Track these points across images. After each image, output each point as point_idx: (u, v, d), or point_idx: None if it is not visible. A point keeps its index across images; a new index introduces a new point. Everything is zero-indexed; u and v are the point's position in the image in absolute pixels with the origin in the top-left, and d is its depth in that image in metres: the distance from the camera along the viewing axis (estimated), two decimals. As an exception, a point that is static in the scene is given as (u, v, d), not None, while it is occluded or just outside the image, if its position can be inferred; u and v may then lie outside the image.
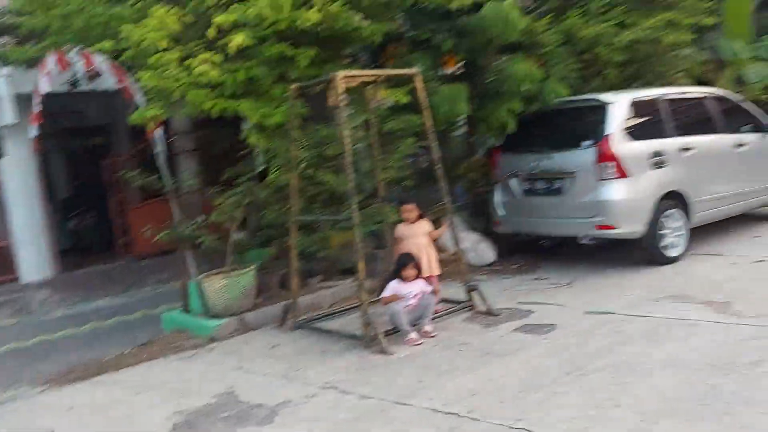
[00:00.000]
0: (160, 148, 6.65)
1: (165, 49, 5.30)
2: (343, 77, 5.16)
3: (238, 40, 5.09)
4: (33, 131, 9.14)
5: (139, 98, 6.82)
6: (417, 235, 5.55)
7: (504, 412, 3.64)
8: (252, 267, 6.26)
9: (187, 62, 5.17)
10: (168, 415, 4.18)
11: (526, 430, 3.39)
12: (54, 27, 5.87)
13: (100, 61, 6.90)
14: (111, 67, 6.89)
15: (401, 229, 5.67)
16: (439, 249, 7.72)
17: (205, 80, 5.17)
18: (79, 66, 7.34)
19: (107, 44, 5.50)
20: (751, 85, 9.85)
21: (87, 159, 13.89)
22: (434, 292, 5.46)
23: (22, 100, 10.02)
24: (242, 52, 5.40)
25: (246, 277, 6.15)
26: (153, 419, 4.16)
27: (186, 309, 6.57)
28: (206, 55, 5.17)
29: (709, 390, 3.60)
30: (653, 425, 3.26)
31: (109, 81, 8.61)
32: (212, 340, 5.83)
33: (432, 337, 5.10)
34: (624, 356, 4.27)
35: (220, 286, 6.04)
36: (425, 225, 5.66)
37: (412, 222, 5.60)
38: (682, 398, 3.54)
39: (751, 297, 5.16)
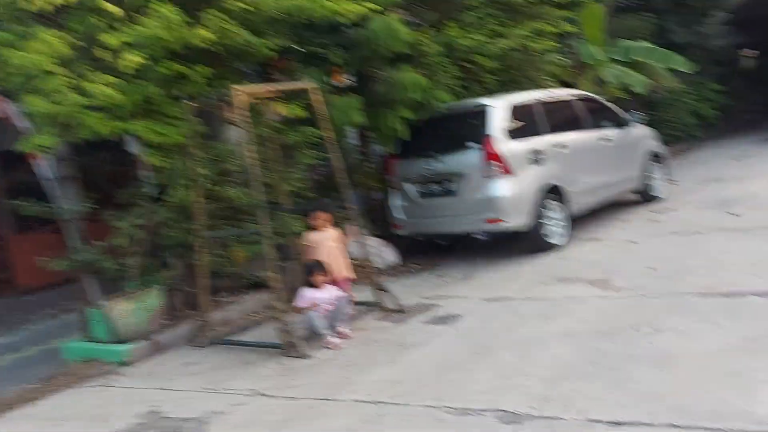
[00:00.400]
0: (48, 176, 6.42)
1: (51, 73, 5.16)
2: (242, 93, 5.28)
3: (133, 59, 5.07)
4: None
5: (23, 125, 6.55)
6: (328, 240, 5.72)
7: (425, 394, 3.94)
8: (156, 288, 6.19)
9: (82, 84, 5.07)
10: (93, 441, 4.12)
11: (447, 406, 3.70)
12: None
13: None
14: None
15: (312, 237, 5.80)
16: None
17: (105, 102, 5.10)
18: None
19: (-10, 72, 5.25)
20: (609, 85, 10.93)
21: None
22: (348, 295, 5.68)
23: None
24: (136, 73, 5.37)
25: (152, 299, 6.08)
26: (77, 448, 4.09)
27: (89, 337, 6.37)
28: (104, 76, 5.10)
29: (598, 353, 4.09)
30: (556, 387, 3.68)
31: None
32: (123, 364, 5.71)
33: (349, 337, 5.33)
34: (524, 333, 4.72)
35: (127, 310, 5.92)
36: (334, 231, 5.83)
37: (322, 229, 5.77)
38: (577, 363, 4.01)
39: (625, 272, 5.83)
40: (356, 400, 4.05)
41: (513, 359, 4.26)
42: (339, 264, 5.71)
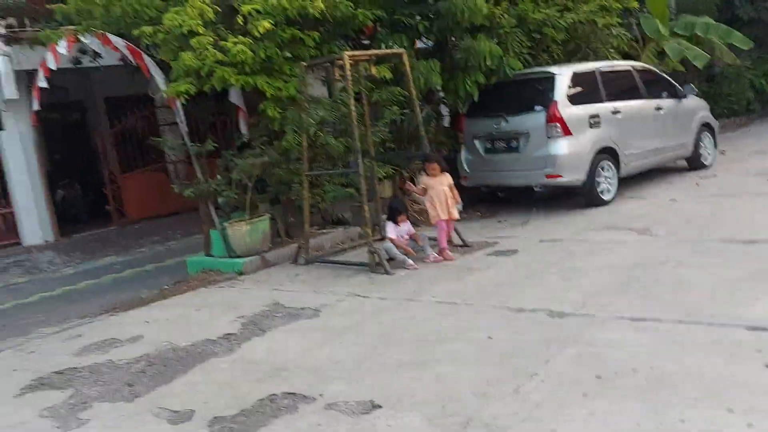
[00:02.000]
0: (181, 117, 7.75)
1: (196, 33, 6.40)
2: (349, 56, 6.41)
3: (265, 24, 6.25)
4: (35, 105, 10.04)
5: (156, 75, 7.88)
6: (441, 185, 6.61)
7: (488, 299, 5.09)
8: (267, 215, 7.50)
9: (221, 44, 6.30)
10: (232, 320, 5.45)
11: (506, 306, 4.84)
12: (96, 13, 6.82)
13: (118, 43, 7.91)
14: (128, 48, 7.90)
15: (428, 181, 6.70)
16: (415, 201, 9.17)
17: (237, 59, 6.31)
18: (92, 46, 8.29)
19: (147, 29, 6.52)
20: (669, 59, 11.55)
21: (67, 132, 14.62)
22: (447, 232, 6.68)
23: (21, 77, 10.83)
24: (261, 36, 6.56)
25: (263, 224, 7.40)
26: (221, 323, 5.41)
27: (207, 254, 7.76)
28: (241, 38, 6.31)
29: (631, 278, 5.13)
30: (592, 298, 4.76)
31: (112, 59, 9.56)
32: (241, 274, 7.08)
33: (435, 261, 6.48)
34: (570, 264, 5.78)
35: (242, 231, 7.26)
36: (447, 178, 6.72)
37: (436, 176, 6.65)
38: (611, 284, 5.06)
39: (664, 224, 6.78)
40: (433, 301, 5.24)
41: (559, 281, 5.34)
42: (449, 205, 6.62)
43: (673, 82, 9.37)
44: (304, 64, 6.86)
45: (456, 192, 6.76)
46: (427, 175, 6.74)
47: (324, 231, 8.23)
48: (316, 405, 3.66)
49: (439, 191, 6.60)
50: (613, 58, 9.30)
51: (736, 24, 15.07)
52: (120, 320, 6.04)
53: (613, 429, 2.97)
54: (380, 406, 3.53)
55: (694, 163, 9.65)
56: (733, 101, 14.74)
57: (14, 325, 6.78)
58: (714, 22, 12.48)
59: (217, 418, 3.67)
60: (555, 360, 3.80)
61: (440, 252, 6.53)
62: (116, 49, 7.96)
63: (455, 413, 3.33)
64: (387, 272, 6.28)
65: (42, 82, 9.24)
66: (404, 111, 8.24)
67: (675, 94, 9.23)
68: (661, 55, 11.82)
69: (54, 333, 5.97)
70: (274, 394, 3.86)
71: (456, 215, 6.72)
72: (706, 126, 9.75)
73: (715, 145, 10.03)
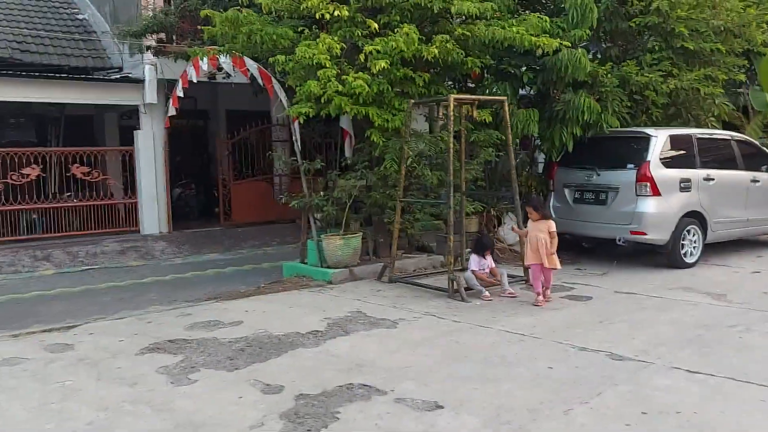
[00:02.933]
0: (297, 136, 8.64)
1: (323, 66, 7.24)
2: (454, 98, 7.05)
3: (382, 63, 7.01)
4: (172, 111, 11.32)
5: (281, 96, 8.83)
6: (539, 230, 6.61)
7: (555, 335, 5.48)
8: (360, 233, 8.20)
9: (343, 77, 7.11)
10: (320, 320, 6.11)
11: (571, 344, 5.22)
12: (239, 38, 7.85)
13: (249, 64, 8.94)
14: (260, 71, 8.92)
15: (529, 225, 6.79)
16: (500, 240, 9.62)
17: (355, 91, 7.09)
18: (226, 66, 9.38)
19: (281, 57, 7.44)
20: (775, 132, 11.46)
21: (189, 137, 16.13)
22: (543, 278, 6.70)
23: (161, 85, 12.23)
24: (378, 72, 7.32)
25: (356, 240, 8.09)
26: (310, 321, 6.09)
27: (302, 261, 8.54)
28: (360, 74, 7.09)
29: (696, 336, 5.38)
30: (654, 348, 5.06)
31: (240, 78, 10.70)
32: (329, 283, 7.77)
33: (516, 296, 6.91)
34: (639, 317, 6.07)
35: (336, 245, 7.97)
36: (548, 225, 6.64)
37: (536, 220, 6.66)
38: (676, 338, 5.33)
39: (742, 292, 6.90)
40: (503, 330, 5.69)
41: (626, 329, 5.65)
42: (540, 252, 6.58)
43: (773, 156, 9.38)
44: (413, 101, 7.55)
45: (556, 241, 6.65)
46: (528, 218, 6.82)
47: (409, 255, 8.83)
48: (387, 398, 4.21)
49: (532, 236, 6.64)
50: (713, 127, 9.43)
51: None
52: (224, 307, 6.84)
53: (647, 455, 3.34)
54: (443, 407, 4.03)
55: (789, 239, 9.54)
56: None
57: (131, 300, 7.78)
58: (828, 100, 12.21)
59: (302, 394, 4.29)
60: (606, 394, 4.18)
61: (537, 295, 6.62)
62: (246, 72, 9.01)
63: (508, 422, 3.79)
64: (463, 299, 6.77)
65: (181, 92, 10.50)
66: (499, 153, 8.77)
67: (774, 169, 9.24)
68: (768, 128, 11.73)
69: (167, 310, 6.86)
70: (351, 384, 4.45)
71: (550, 264, 6.60)
72: (805, 204, 9.62)
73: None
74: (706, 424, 3.68)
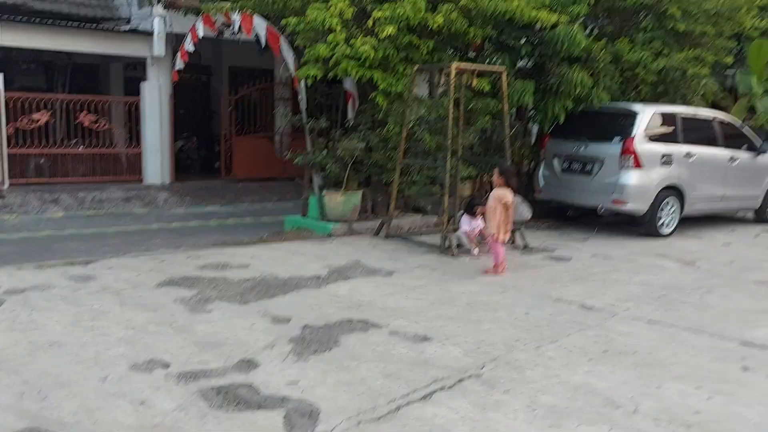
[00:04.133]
0: (302, 95, 9.05)
1: (333, 29, 7.62)
2: (456, 66, 7.48)
3: (389, 30, 7.41)
4: (180, 64, 11.64)
5: (287, 58, 9.20)
6: (498, 200, 6.54)
7: (536, 289, 6.05)
8: (360, 191, 8.69)
9: (351, 41, 7.51)
10: (321, 267, 6.65)
11: (548, 296, 5.79)
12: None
13: (258, 24, 9.28)
14: (268, 30, 9.26)
15: (494, 191, 6.66)
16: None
17: (362, 55, 7.50)
18: (236, 23, 9.71)
19: (293, 20, 7.82)
20: (759, 114, 11.93)
21: (193, 92, 16.42)
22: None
23: (169, 39, 12.51)
24: (384, 38, 7.72)
25: (356, 197, 8.59)
26: (312, 267, 6.62)
27: (304, 215, 9.04)
28: (368, 39, 7.50)
29: (662, 295, 5.96)
30: (623, 303, 5.63)
31: (243, 35, 11.01)
32: (330, 236, 8.29)
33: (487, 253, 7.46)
34: (613, 277, 6.64)
35: (339, 200, 8.47)
36: (506, 195, 6.54)
37: (498, 186, 6.65)
38: (643, 295, 5.91)
39: (711, 261, 7.49)
40: (488, 282, 6.25)
41: (599, 286, 6.23)
42: (493, 223, 6.53)
43: (752, 137, 9.88)
44: (417, 66, 7.98)
45: (510, 215, 6.57)
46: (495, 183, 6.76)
47: (404, 214, 9.34)
48: (383, 331, 4.77)
49: (490, 205, 6.57)
50: (699, 106, 9.91)
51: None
52: (231, 252, 7.36)
53: (604, 383, 3.92)
54: (431, 339, 4.59)
55: (761, 216, 10.13)
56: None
57: (140, 244, 8.26)
58: (813, 87, 12.68)
59: (307, 325, 4.83)
60: (574, 336, 4.75)
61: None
62: (250, 32, 9.32)
63: (486, 353, 4.36)
64: (454, 255, 7.32)
65: (191, 46, 10.82)
66: (495, 122, 9.22)
67: (752, 149, 9.75)
68: (753, 110, 12.21)
69: (177, 252, 7.36)
70: (351, 319, 5.00)
71: (497, 235, 6.48)
72: (780, 184, 10.19)
73: (788, 204, 10.43)
74: (658, 362, 4.26)
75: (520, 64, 9.78)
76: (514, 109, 10.08)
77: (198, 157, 15.44)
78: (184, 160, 14.92)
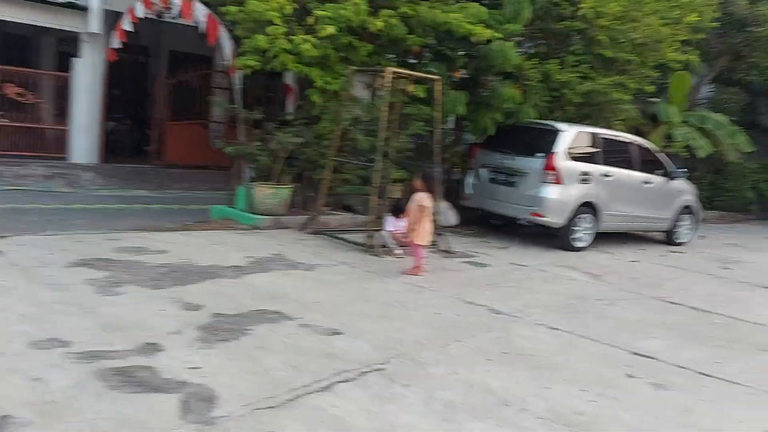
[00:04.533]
0: (237, 87, 9.01)
1: (273, 23, 7.65)
2: (391, 71, 7.63)
3: (330, 29, 7.49)
4: (116, 43, 11.35)
5: (225, 45, 9.14)
6: (413, 203, 6.76)
7: (450, 290, 6.25)
8: (291, 185, 8.71)
9: (291, 37, 7.55)
10: (242, 257, 6.65)
11: (460, 298, 6.00)
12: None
13: (198, 9, 9.20)
14: (208, 17, 9.18)
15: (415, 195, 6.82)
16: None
17: (300, 51, 7.55)
18: (175, 8, 9.60)
19: (232, 8, 7.79)
20: (675, 143, 12.68)
21: (129, 73, 15.99)
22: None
23: (108, 16, 12.18)
24: (325, 37, 7.80)
25: (285, 191, 8.62)
26: (233, 257, 6.61)
27: (231, 206, 8.98)
28: (309, 37, 7.56)
29: (567, 304, 6.27)
30: (529, 309, 5.90)
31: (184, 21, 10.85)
32: (256, 228, 8.28)
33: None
34: (524, 284, 6.94)
35: (266, 193, 8.47)
36: (423, 200, 6.74)
37: (417, 190, 6.82)
38: (549, 303, 6.21)
39: (617, 275, 7.92)
40: (407, 282, 6.42)
41: (510, 292, 6.50)
42: (412, 227, 6.70)
43: (666, 163, 10.48)
44: (354, 68, 8.09)
45: (425, 216, 6.67)
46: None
47: (335, 213, 9.43)
48: (294, 323, 4.84)
49: (412, 210, 6.70)
50: (620, 129, 10.44)
51: (755, 129, 16.17)
52: (150, 237, 7.26)
53: (499, 382, 4.12)
54: (342, 333, 4.70)
55: (671, 238, 10.75)
56: (734, 197, 15.79)
57: (58, 223, 8.00)
58: (725, 121, 13.57)
59: (219, 314, 4.85)
60: (479, 337, 4.97)
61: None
62: (190, 17, 9.23)
63: (393, 348, 4.51)
64: (378, 255, 7.46)
65: (129, 26, 10.59)
66: (430, 129, 9.43)
67: (666, 174, 10.35)
68: (671, 137, 12.94)
69: (95, 233, 7.20)
70: (265, 309, 5.05)
71: (412, 237, 6.68)
72: (688, 208, 10.84)
73: (695, 228, 11.10)
74: (552, 366, 4.52)
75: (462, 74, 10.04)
76: (453, 118, 10.34)
77: (130, 140, 15.04)
78: (114, 142, 14.49)
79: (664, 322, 5.99)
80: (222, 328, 4.55)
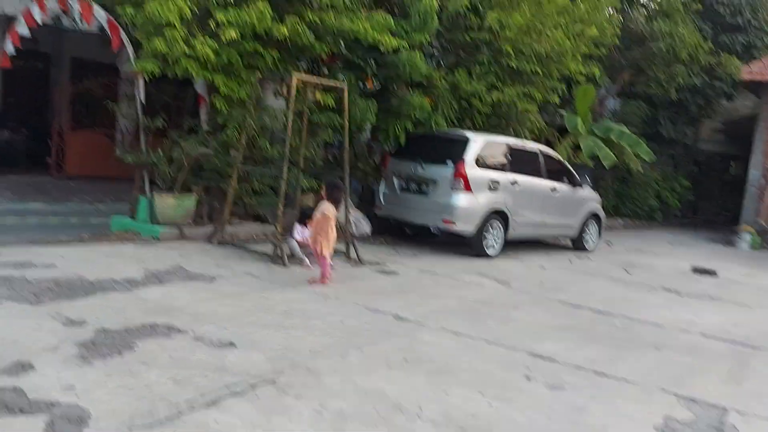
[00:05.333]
0: (139, 93, 8.63)
1: (172, 25, 7.37)
2: (297, 78, 7.50)
3: (232, 33, 7.28)
4: (10, 48, 10.69)
5: (128, 50, 8.77)
6: (317, 213, 6.67)
7: (357, 298, 6.14)
8: (195, 195, 8.40)
9: (191, 40, 7.28)
10: (139, 270, 6.31)
11: (367, 307, 5.90)
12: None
13: (98, 13, 8.78)
14: (108, 22, 8.78)
15: (321, 205, 6.71)
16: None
17: (202, 57, 7.30)
18: (75, 13, 9.14)
19: (129, 9, 7.45)
20: (582, 152, 13.15)
21: (27, 80, 15.10)
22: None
23: (2, 21, 11.44)
24: (228, 42, 7.58)
25: (189, 201, 8.29)
26: (127, 270, 6.26)
27: (132, 217, 8.57)
28: (208, 40, 7.31)
29: (472, 309, 6.29)
30: (434, 314, 5.87)
31: (85, 25, 10.39)
32: (157, 240, 7.91)
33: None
34: (431, 291, 6.93)
35: (168, 204, 8.12)
36: (326, 209, 6.63)
37: (322, 199, 6.73)
38: (455, 309, 6.21)
39: (524, 281, 8.05)
40: (311, 292, 6.27)
41: (416, 299, 6.46)
42: (316, 236, 6.56)
43: (573, 171, 10.83)
44: (260, 75, 7.90)
45: (326, 226, 6.54)
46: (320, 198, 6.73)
47: (243, 222, 9.16)
48: (187, 336, 4.59)
49: (316, 219, 6.63)
50: (526, 138, 10.71)
51: (658, 140, 17.06)
52: (38, 251, 6.78)
53: (395, 388, 4.03)
54: (235, 346, 4.50)
55: (577, 244, 11.09)
56: (638, 205, 16.55)
57: (-63, 237, 7.39)
58: (628, 132, 14.22)
59: (104, 329, 4.54)
60: (380, 344, 4.87)
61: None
62: (90, 21, 8.82)
63: (289, 359, 4.34)
64: (284, 264, 7.27)
65: (25, 30, 9.96)
66: (340, 138, 9.36)
67: (572, 182, 10.67)
68: (578, 147, 13.42)
69: (-24, 248, 6.66)
70: (155, 323, 4.77)
71: (314, 246, 6.57)
72: (595, 216, 11.23)
73: (600, 234, 11.50)
74: (451, 370, 4.48)
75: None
76: (369, 127, 10.29)
77: (26, 150, 14.16)
78: (9, 152, 13.61)
79: (566, 325, 6.11)
80: (105, 344, 4.26)
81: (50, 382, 3.58)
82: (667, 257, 11.60)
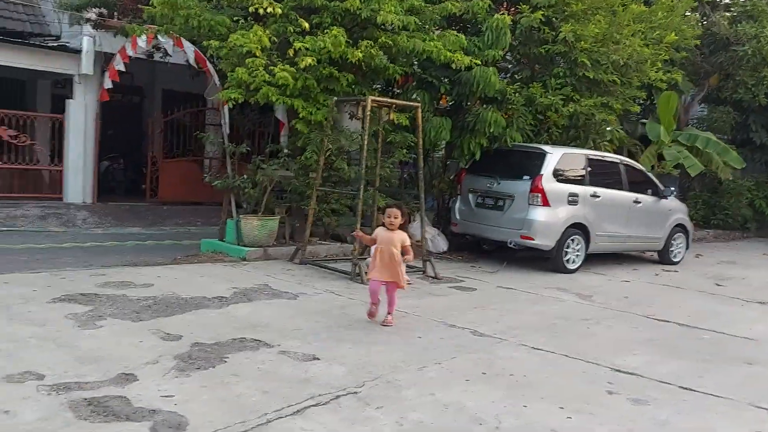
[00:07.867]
0: (224, 121, 9.14)
1: (254, 55, 7.79)
2: (372, 100, 7.74)
3: (308, 60, 7.63)
4: (108, 83, 11.56)
5: (215, 80, 9.31)
6: (391, 243, 5.72)
7: (432, 316, 6.22)
8: (278, 217, 8.77)
9: (271, 68, 7.68)
10: (227, 288, 6.66)
11: (444, 322, 5.97)
12: (177, 21, 8.31)
13: (188, 47, 9.38)
14: (195, 53, 9.37)
15: (378, 231, 5.90)
16: (409, 235, 10.37)
17: (281, 83, 7.68)
18: (166, 45, 9.79)
19: (215, 43, 7.95)
20: (666, 162, 12.71)
21: (123, 112, 16.23)
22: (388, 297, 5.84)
23: (98, 58, 12.42)
24: (305, 68, 7.93)
25: (273, 222, 8.66)
26: (217, 288, 6.62)
27: (221, 239, 9.03)
28: (287, 66, 7.69)
29: (552, 324, 6.24)
30: (513, 330, 5.87)
31: (178, 59, 11.08)
32: (244, 260, 8.31)
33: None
34: (510, 306, 6.91)
35: (254, 225, 8.52)
36: (401, 236, 5.78)
37: (392, 229, 5.78)
38: (534, 325, 6.17)
39: (606, 295, 7.87)
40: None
41: (494, 315, 6.47)
42: (389, 267, 5.67)
43: (656, 182, 10.50)
44: (335, 99, 8.20)
45: (410, 256, 5.78)
46: (383, 224, 5.84)
47: (323, 242, 9.46)
48: (273, 350, 4.83)
49: (385, 249, 5.69)
50: (606, 150, 10.50)
51: (750, 146, 16.23)
52: (137, 271, 7.29)
53: (474, 401, 4.09)
54: (319, 359, 4.69)
55: (664, 257, 10.71)
56: (730, 215, 15.75)
57: (48, 261, 8.06)
58: (715, 139, 13.63)
59: (198, 343, 4.85)
60: (458, 359, 4.94)
61: (369, 315, 5.78)
62: (182, 46, 9.44)
63: (370, 372, 4.48)
64: (363, 282, 7.45)
65: (121, 66, 10.78)
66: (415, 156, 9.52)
67: (656, 193, 10.36)
68: (662, 157, 12.99)
69: (82, 270, 7.24)
70: (244, 338, 5.05)
71: (397, 281, 5.70)
72: (681, 227, 10.81)
73: (687, 246, 11.06)
74: (530, 384, 4.48)
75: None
76: (443, 145, 10.41)
77: (124, 179, 15.21)
78: (109, 181, 14.66)
79: (650, 339, 5.95)
80: (199, 357, 4.54)
81: (152, 392, 3.87)
82: (761, 269, 10.99)
